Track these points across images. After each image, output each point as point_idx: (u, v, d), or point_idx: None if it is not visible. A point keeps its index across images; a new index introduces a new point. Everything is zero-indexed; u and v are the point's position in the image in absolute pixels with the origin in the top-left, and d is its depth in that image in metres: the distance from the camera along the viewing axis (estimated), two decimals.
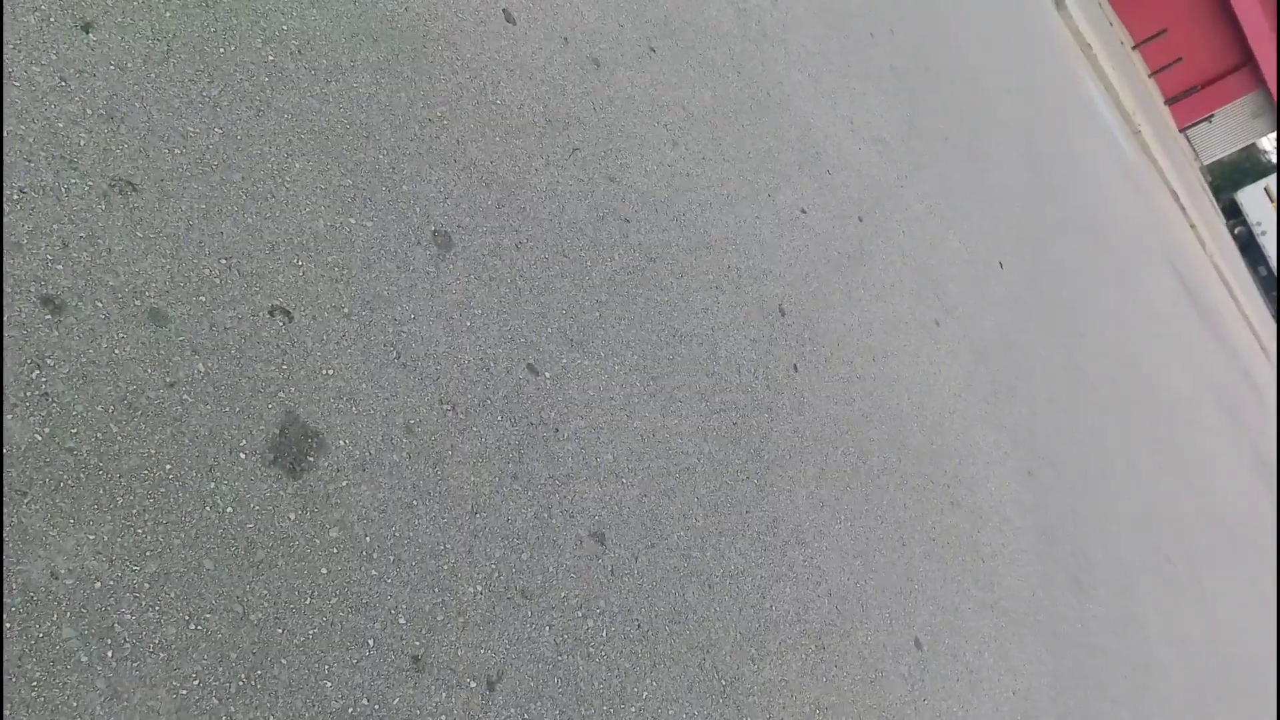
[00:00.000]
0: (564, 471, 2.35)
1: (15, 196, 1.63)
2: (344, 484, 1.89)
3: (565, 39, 2.99)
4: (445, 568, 2.00)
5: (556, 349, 2.49)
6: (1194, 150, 23.95)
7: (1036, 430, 5.14)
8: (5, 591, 1.40)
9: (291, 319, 1.94)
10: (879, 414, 3.73)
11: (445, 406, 2.15)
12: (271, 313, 1.91)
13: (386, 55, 2.40)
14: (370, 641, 1.81)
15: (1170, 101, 22.12)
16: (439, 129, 2.45)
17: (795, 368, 3.36)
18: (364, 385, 2.02)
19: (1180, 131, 22.83)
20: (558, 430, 2.39)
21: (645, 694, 2.27)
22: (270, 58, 2.14)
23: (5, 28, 1.72)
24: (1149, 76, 21.06)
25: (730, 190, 3.49)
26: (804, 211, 3.89)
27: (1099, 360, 6.88)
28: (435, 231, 2.32)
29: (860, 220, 4.33)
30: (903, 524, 3.52)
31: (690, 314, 2.99)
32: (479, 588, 2.04)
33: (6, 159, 1.64)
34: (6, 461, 1.46)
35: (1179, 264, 13.67)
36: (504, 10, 2.79)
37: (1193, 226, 17.32)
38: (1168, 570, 5.99)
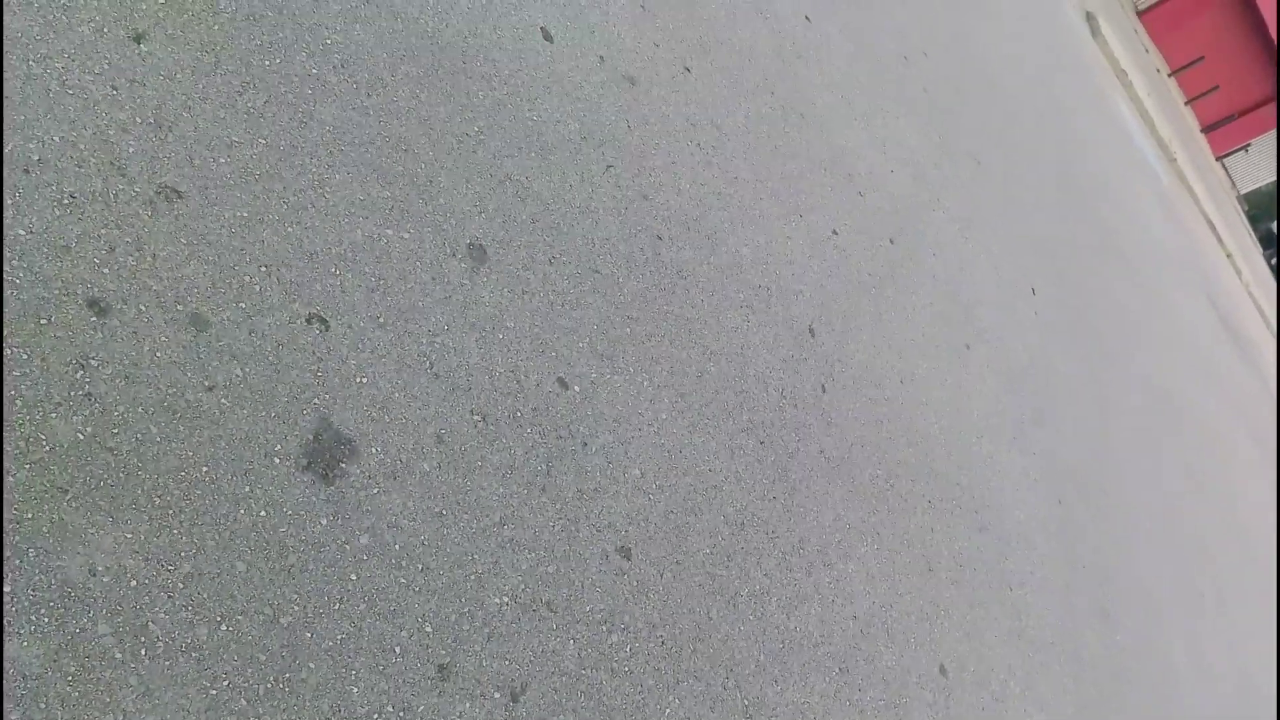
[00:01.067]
0: (592, 486, 2.36)
1: (66, 201, 1.67)
2: (375, 491, 1.91)
3: (601, 57, 3.02)
4: (472, 578, 2.01)
5: (587, 363, 2.50)
6: (1230, 179, 23.71)
7: (1066, 457, 5.09)
8: (44, 587, 1.43)
9: (328, 327, 1.97)
10: (907, 437, 3.71)
11: (476, 417, 2.17)
12: (309, 320, 1.94)
13: (426, 70, 2.44)
14: (397, 649, 1.82)
15: (1207, 129, 21.93)
16: (476, 143, 2.48)
17: (823, 388, 3.36)
18: (397, 394, 2.04)
19: (1217, 160, 22.61)
20: (586, 444, 2.40)
21: (668, 711, 2.26)
22: (314, 71, 2.18)
23: (61, 38, 1.76)
24: (1185, 104, 20.90)
25: (762, 210, 3.50)
26: (835, 233, 3.90)
27: (1130, 388, 6.80)
28: (470, 244, 2.34)
29: (891, 242, 4.33)
30: (929, 548, 3.49)
31: (720, 332, 3.00)
32: (505, 599, 2.05)
33: (59, 164, 1.68)
34: (51, 459, 1.49)
35: (1214, 293, 13.51)
36: (542, 28, 2.83)
37: (1229, 255, 17.13)
38: (1195, 600, 5.89)
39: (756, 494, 2.83)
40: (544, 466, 2.27)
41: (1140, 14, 19.84)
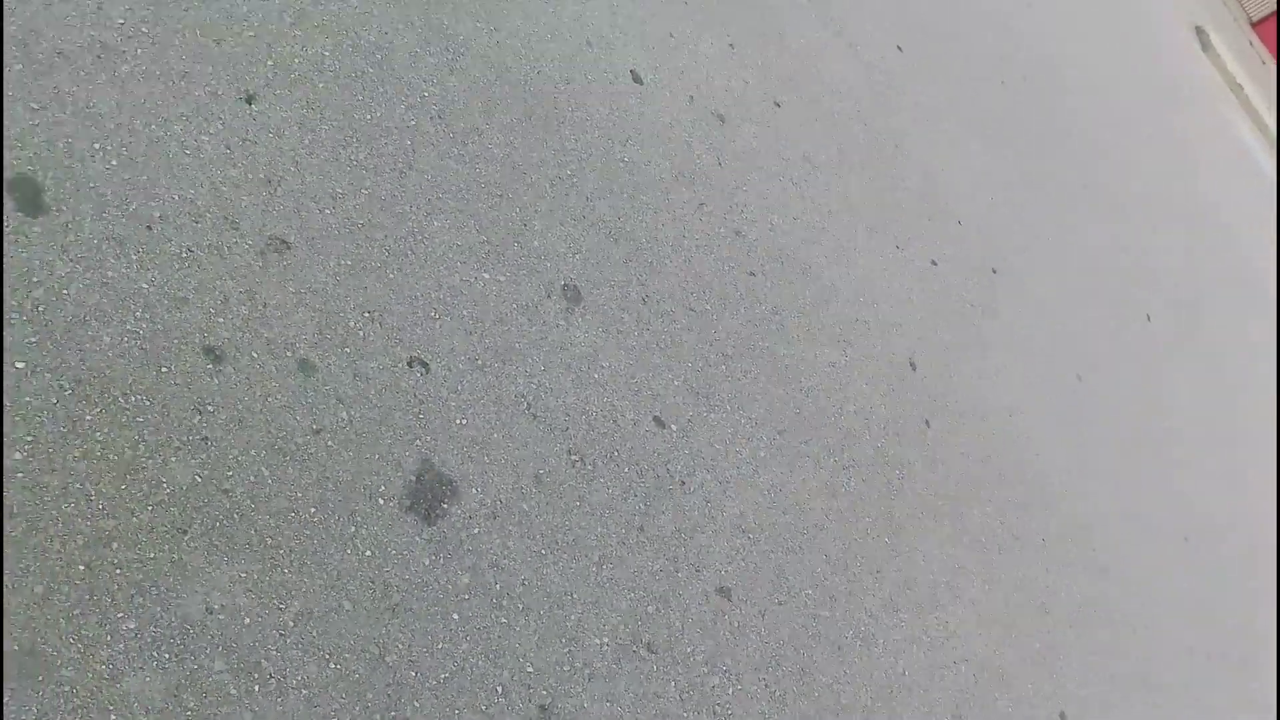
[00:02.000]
0: (690, 525, 2.34)
1: (184, 255, 1.76)
2: (476, 532, 1.93)
3: (691, 97, 3.05)
4: (572, 618, 2.00)
5: (683, 402, 2.49)
6: None
7: (1190, 493, 4.82)
8: (165, 624, 1.48)
9: (429, 370, 2.01)
10: (1018, 472, 3.58)
11: (574, 457, 2.18)
12: (410, 364, 1.99)
13: (519, 117, 2.50)
14: (499, 689, 1.82)
15: None
16: (569, 186, 2.53)
17: (927, 423, 3.27)
18: (496, 435, 2.07)
19: None
20: (684, 483, 2.38)
21: None
22: (412, 123, 2.26)
23: (180, 102, 1.87)
24: None
25: (857, 243, 3.45)
26: (934, 263, 3.81)
27: (1260, 421, 6.42)
28: (565, 286, 2.37)
29: (995, 272, 4.21)
30: (1045, 589, 3.34)
31: (817, 367, 2.95)
32: (605, 640, 2.03)
33: (177, 220, 1.78)
34: (171, 500, 1.56)
35: None
36: (631, 71, 2.87)
37: None
38: None
39: (860, 533, 2.76)
40: (642, 506, 2.26)
41: (1254, 25, 19.00)
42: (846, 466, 2.85)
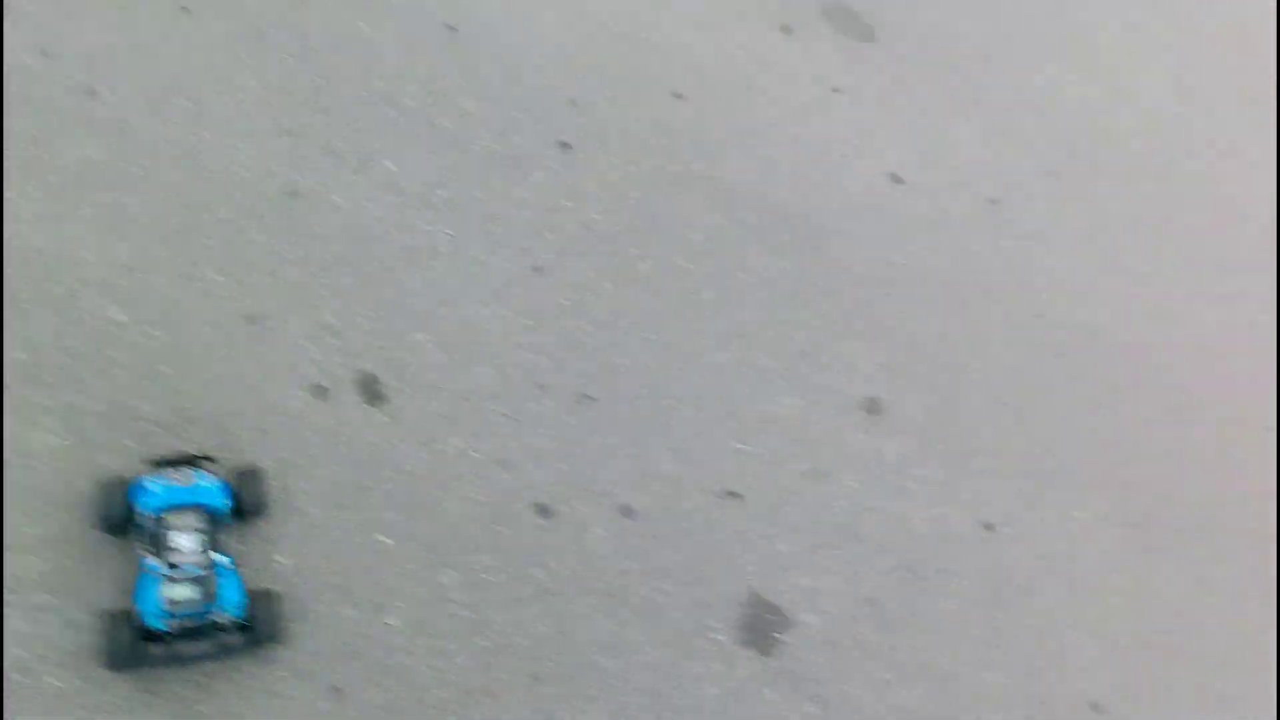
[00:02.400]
0: (1045, 635, 2.12)
1: (503, 421, 1.90)
2: (815, 660, 1.86)
3: (956, 185, 2.96)
4: None
5: (1011, 504, 2.31)
6: None
7: None
8: None
9: (743, 500, 2.01)
10: None
11: (904, 573, 2.06)
12: (723, 497, 2.00)
13: (786, 240, 2.52)
14: None
15: None
16: (849, 301, 2.49)
17: None
18: (819, 558, 2.01)
19: None
20: (1029, 590, 2.18)
21: None
22: (689, 267, 2.34)
23: (480, 284, 2.06)
24: None
25: (1177, 303, 3.11)
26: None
27: None
28: (865, 399, 2.31)
29: None
30: None
31: (1158, 445, 2.64)
32: None
33: (492, 389, 1.93)
34: (525, 652, 1.64)
35: None
36: (890, 174, 2.83)
37: None
38: None
39: (1244, 628, 2.37)
40: (986, 617, 2.09)
41: None
42: (1218, 557, 2.49)
